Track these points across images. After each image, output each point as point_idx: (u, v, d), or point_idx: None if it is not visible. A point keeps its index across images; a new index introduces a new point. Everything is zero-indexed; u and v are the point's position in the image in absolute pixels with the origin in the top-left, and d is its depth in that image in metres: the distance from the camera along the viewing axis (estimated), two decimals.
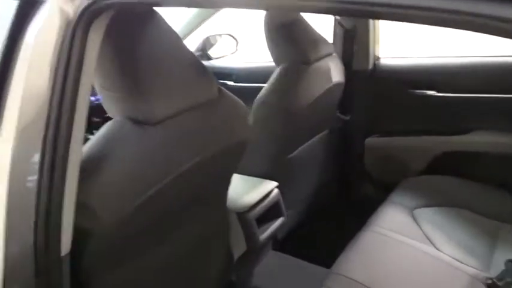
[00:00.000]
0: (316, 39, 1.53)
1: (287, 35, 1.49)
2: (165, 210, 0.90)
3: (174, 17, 1.42)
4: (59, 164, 0.70)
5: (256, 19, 1.87)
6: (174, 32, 0.88)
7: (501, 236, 1.38)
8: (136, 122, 0.79)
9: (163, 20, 0.85)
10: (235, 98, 1.01)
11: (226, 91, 0.98)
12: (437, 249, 1.30)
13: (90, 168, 0.75)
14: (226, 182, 1.13)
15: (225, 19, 2.43)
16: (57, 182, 0.70)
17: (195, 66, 0.90)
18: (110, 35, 0.76)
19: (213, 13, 1.90)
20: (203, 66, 0.92)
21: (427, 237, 1.35)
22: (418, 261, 1.25)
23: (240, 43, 2.43)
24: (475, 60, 1.69)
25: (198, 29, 1.99)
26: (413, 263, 1.24)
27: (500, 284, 1.16)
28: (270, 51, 1.52)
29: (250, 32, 1.63)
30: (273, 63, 1.55)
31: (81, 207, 0.74)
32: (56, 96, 0.68)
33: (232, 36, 2.44)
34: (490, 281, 1.18)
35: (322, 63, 1.53)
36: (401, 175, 1.71)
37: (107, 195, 0.76)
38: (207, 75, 0.92)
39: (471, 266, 1.24)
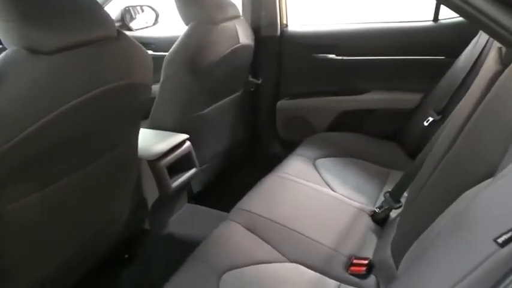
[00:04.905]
0: (222, 1, 1.62)
1: None
2: (61, 140, 0.92)
3: None
4: None
5: None
6: None
7: (390, 179, 1.57)
8: (30, 51, 0.83)
9: None
10: (136, 42, 1.06)
11: (127, 34, 1.04)
12: (332, 190, 1.46)
13: None
14: (127, 123, 1.15)
15: None
16: None
17: (89, 1, 0.95)
18: None
19: None
20: (99, 4, 0.97)
21: (325, 181, 1.50)
22: (313, 197, 1.40)
23: (160, 15, 2.47)
24: (368, 26, 1.87)
25: None
26: (308, 199, 1.39)
27: (379, 212, 1.34)
28: (179, 12, 1.59)
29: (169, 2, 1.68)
30: None
31: None
32: None
33: (152, 8, 2.48)
34: (373, 212, 1.36)
35: (228, 24, 1.62)
36: (307, 133, 1.87)
37: None
38: (103, 12, 0.97)
39: (359, 202, 1.41)
